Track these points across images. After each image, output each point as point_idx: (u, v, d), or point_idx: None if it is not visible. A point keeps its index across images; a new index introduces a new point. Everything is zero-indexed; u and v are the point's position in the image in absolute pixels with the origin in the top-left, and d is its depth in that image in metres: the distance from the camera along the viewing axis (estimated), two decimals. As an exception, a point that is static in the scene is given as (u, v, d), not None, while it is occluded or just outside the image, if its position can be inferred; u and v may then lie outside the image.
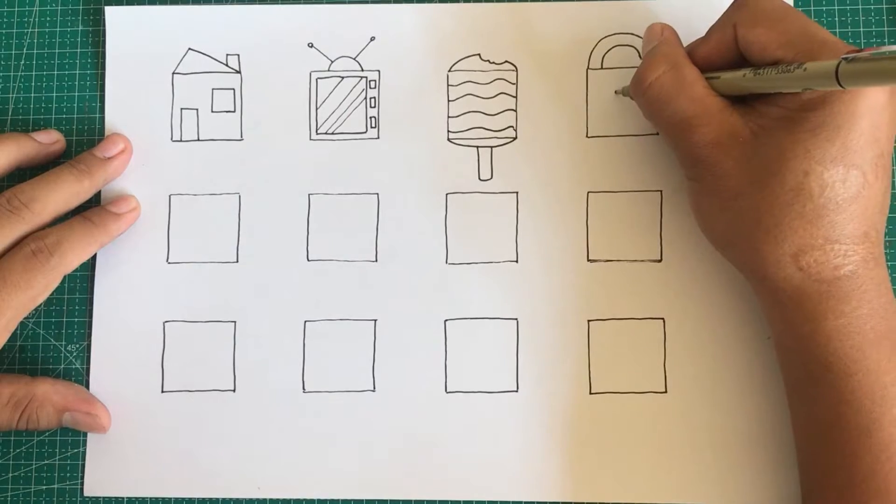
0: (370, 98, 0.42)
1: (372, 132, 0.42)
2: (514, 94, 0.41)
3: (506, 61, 0.42)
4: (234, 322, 0.41)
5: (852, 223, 0.32)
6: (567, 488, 0.39)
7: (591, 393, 0.40)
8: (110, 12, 0.42)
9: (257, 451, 0.40)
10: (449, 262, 0.41)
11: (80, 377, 0.41)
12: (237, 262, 0.41)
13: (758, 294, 0.36)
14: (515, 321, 0.40)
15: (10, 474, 0.40)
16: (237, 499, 0.40)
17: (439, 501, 0.39)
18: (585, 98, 0.41)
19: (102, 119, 0.42)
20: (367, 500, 0.40)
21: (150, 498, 0.40)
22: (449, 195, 0.41)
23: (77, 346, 0.41)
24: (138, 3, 0.43)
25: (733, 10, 0.35)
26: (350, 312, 0.41)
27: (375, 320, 0.40)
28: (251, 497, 0.40)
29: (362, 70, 0.42)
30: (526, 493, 0.39)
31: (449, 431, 0.40)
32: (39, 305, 0.39)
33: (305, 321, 0.41)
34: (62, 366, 0.41)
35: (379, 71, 0.42)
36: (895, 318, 0.33)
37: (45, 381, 0.39)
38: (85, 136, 0.42)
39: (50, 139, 0.41)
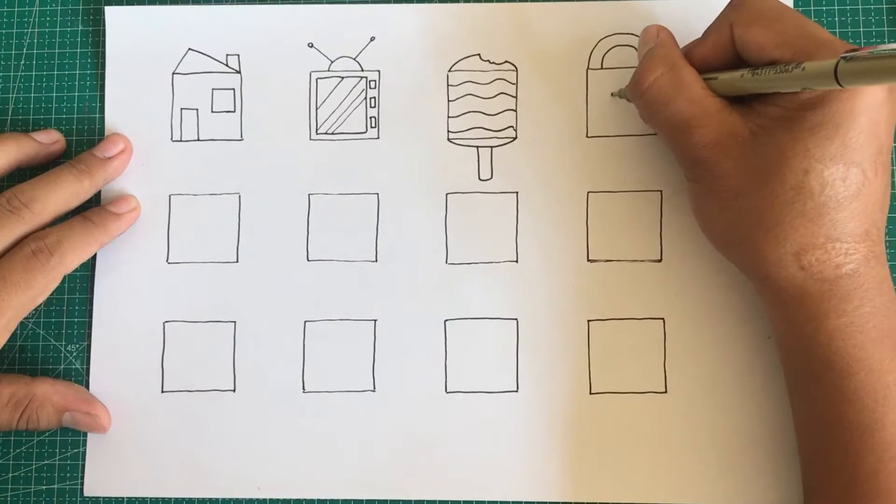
0: (370, 98, 0.42)
1: (372, 132, 0.42)
2: (514, 94, 0.41)
3: (506, 61, 0.42)
4: (234, 322, 0.41)
5: (853, 221, 0.32)
6: (567, 488, 0.39)
7: (591, 393, 0.40)
8: (110, 12, 0.42)
9: (257, 451, 0.40)
10: (449, 262, 0.41)
11: (80, 377, 0.41)
12: (237, 262, 0.41)
13: (759, 294, 0.36)
14: (515, 321, 0.40)
15: (10, 474, 0.40)
16: (237, 499, 0.40)
17: (439, 501, 0.39)
18: (585, 98, 0.41)
19: (102, 119, 0.42)
20: (367, 500, 0.40)
21: (150, 498, 0.40)
22: (449, 195, 0.41)
23: (77, 346, 0.41)
24: (138, 3, 0.43)
25: (730, 11, 0.35)
26: (350, 312, 0.41)
27: (375, 320, 0.40)
28: (251, 497, 0.40)
29: (362, 70, 0.42)
30: (526, 493, 0.39)
31: (449, 431, 0.40)
32: (39, 305, 0.39)
33: (305, 321, 0.41)
34: (62, 366, 0.41)
35: (379, 71, 0.42)
36: None
37: (45, 381, 0.39)
38: (85, 136, 0.42)
39: (50, 139, 0.41)
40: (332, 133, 0.42)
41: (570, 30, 0.41)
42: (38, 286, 0.37)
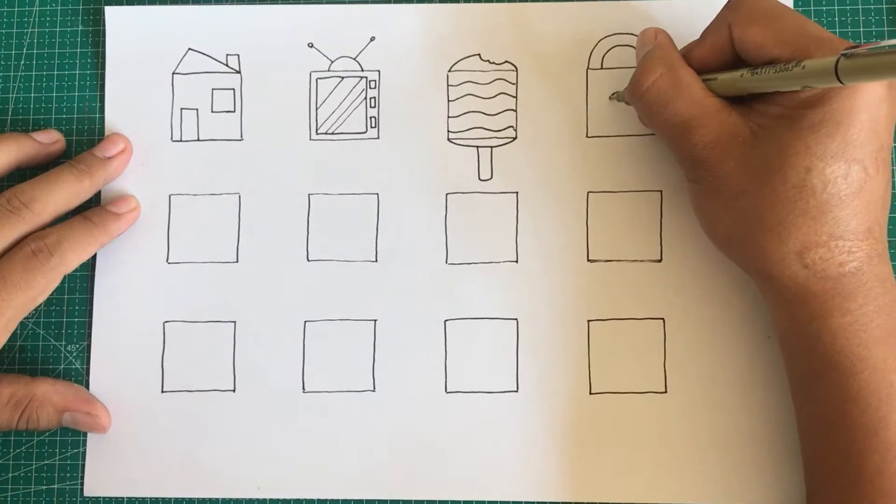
0: (370, 98, 0.42)
1: (372, 132, 0.42)
2: (514, 94, 0.41)
3: (506, 61, 0.42)
4: (234, 322, 0.41)
5: (856, 219, 0.32)
6: (567, 488, 0.39)
7: (591, 393, 0.40)
8: (110, 12, 0.42)
9: (257, 451, 0.40)
10: (449, 262, 0.41)
11: (80, 377, 0.41)
12: (237, 262, 0.41)
13: (763, 293, 0.36)
14: (515, 321, 0.40)
15: (10, 474, 0.40)
16: (237, 499, 0.40)
17: (439, 501, 0.39)
18: (585, 98, 0.41)
19: (102, 119, 0.42)
20: (367, 500, 0.40)
21: (150, 498, 0.40)
22: (449, 195, 0.41)
23: (77, 346, 0.41)
24: (138, 3, 0.43)
25: (727, 11, 0.35)
26: (350, 312, 0.41)
27: (375, 320, 0.40)
28: (251, 497, 0.40)
29: (362, 70, 0.42)
30: (526, 493, 0.39)
31: (449, 431, 0.40)
32: (39, 305, 0.39)
33: (305, 321, 0.41)
34: (62, 366, 0.41)
35: (379, 71, 0.42)
36: None
37: (45, 381, 0.39)
38: (85, 136, 0.42)
39: (50, 139, 0.41)
40: (332, 133, 0.42)
41: (570, 30, 0.41)
42: (38, 286, 0.37)
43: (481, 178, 0.41)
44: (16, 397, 0.38)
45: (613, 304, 0.40)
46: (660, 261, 0.40)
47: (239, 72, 0.42)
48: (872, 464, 0.32)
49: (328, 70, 0.42)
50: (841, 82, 0.29)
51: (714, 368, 0.39)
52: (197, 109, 0.42)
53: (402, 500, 0.39)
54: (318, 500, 0.40)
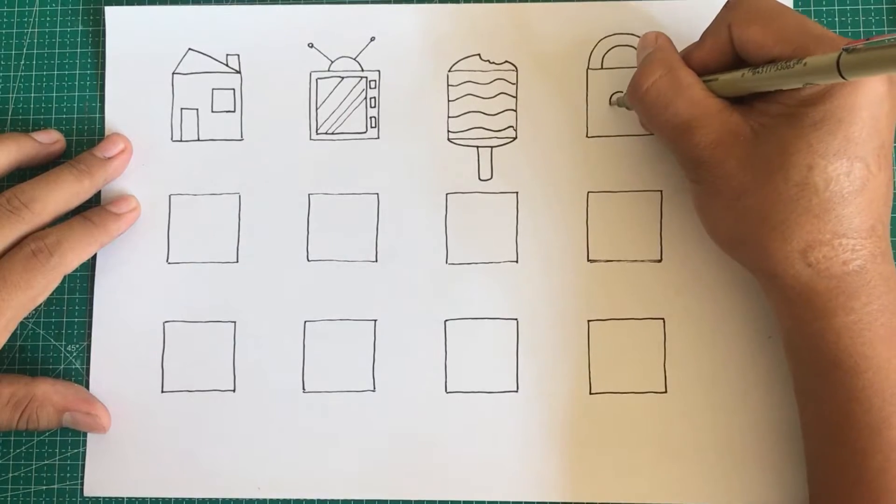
0: (370, 98, 0.42)
1: (372, 132, 0.42)
2: (514, 94, 0.41)
3: (506, 61, 0.42)
4: (234, 322, 0.41)
5: (859, 216, 0.32)
6: (567, 488, 0.39)
7: (591, 393, 0.40)
8: (110, 12, 0.42)
9: (257, 451, 0.40)
10: (449, 262, 0.41)
11: (80, 377, 0.41)
12: (237, 262, 0.41)
13: (766, 292, 0.36)
14: (515, 321, 0.40)
15: (10, 474, 0.40)
16: (237, 499, 0.40)
17: (439, 501, 0.39)
18: (585, 98, 0.41)
19: (102, 119, 0.42)
20: (367, 500, 0.40)
21: (150, 498, 0.40)
22: (449, 195, 0.41)
23: (77, 346, 0.41)
24: (138, 3, 0.43)
25: (727, 11, 0.35)
26: (350, 312, 0.41)
27: (375, 320, 0.40)
28: (251, 497, 0.40)
29: (362, 70, 0.42)
30: (526, 493, 0.39)
31: (449, 431, 0.40)
32: (39, 305, 0.39)
33: (305, 321, 0.41)
34: (62, 366, 0.41)
35: (379, 71, 0.42)
36: None
37: (45, 381, 0.39)
38: (85, 136, 0.42)
39: (50, 139, 0.41)
40: (332, 133, 0.42)
41: (570, 30, 0.41)
42: (38, 286, 0.37)
43: (481, 178, 0.41)
44: (16, 397, 0.38)
45: (613, 304, 0.40)
46: (660, 261, 0.40)
47: (239, 72, 0.42)
48: (876, 463, 0.32)
49: (328, 70, 0.42)
50: (843, 78, 0.29)
51: (714, 368, 0.39)
52: (197, 109, 0.42)
53: (402, 500, 0.39)
54: (318, 500, 0.40)
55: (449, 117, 0.41)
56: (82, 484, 0.40)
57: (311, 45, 0.42)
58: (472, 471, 0.39)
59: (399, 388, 0.40)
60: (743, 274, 0.38)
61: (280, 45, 0.42)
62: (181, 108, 0.42)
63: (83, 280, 0.41)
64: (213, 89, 0.42)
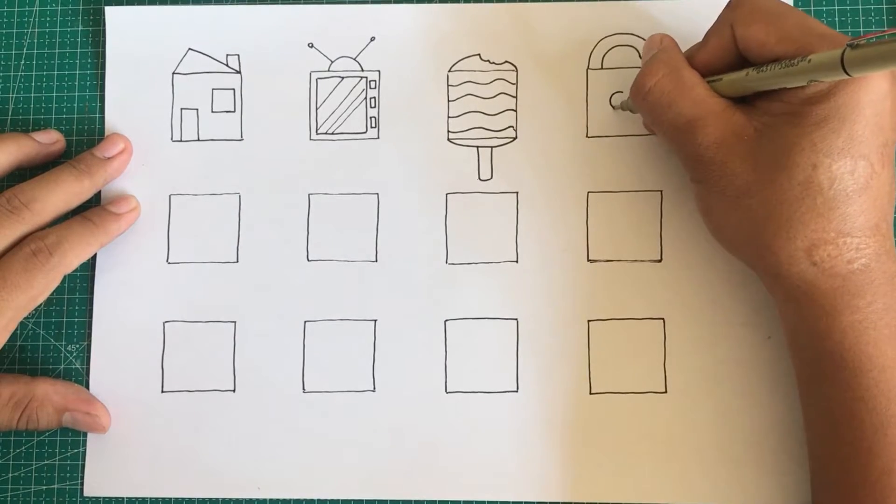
0: (370, 98, 0.42)
1: (372, 132, 0.42)
2: (514, 94, 0.41)
3: (506, 61, 0.42)
4: (234, 322, 0.41)
5: (863, 215, 0.32)
6: (567, 488, 0.39)
7: (591, 393, 0.40)
8: (110, 12, 0.42)
9: (257, 451, 0.40)
10: (449, 262, 0.41)
11: (80, 377, 0.41)
12: (237, 262, 0.41)
13: (770, 291, 0.36)
14: (515, 321, 0.40)
15: (10, 474, 0.40)
16: (237, 499, 0.40)
17: (439, 501, 0.39)
18: (585, 98, 0.41)
19: (102, 119, 0.42)
20: (367, 500, 0.40)
21: (150, 498, 0.40)
22: (449, 195, 0.41)
23: (77, 346, 0.41)
24: (138, 3, 0.43)
25: (729, 11, 0.35)
26: (350, 312, 0.41)
27: (375, 320, 0.40)
28: (251, 497, 0.40)
29: (362, 70, 0.42)
30: (526, 493, 0.39)
31: (449, 431, 0.40)
32: (39, 305, 0.39)
33: (305, 321, 0.41)
34: (62, 366, 0.41)
35: (379, 71, 0.42)
36: None
37: (45, 381, 0.39)
38: (85, 136, 0.42)
39: (50, 139, 0.41)
40: (332, 133, 0.42)
41: (570, 30, 0.41)
42: (38, 286, 0.37)
43: (481, 178, 0.41)
44: (16, 397, 0.38)
45: (613, 304, 0.40)
46: (660, 261, 0.40)
47: (239, 72, 0.42)
48: (880, 463, 0.32)
49: (328, 70, 0.42)
50: (848, 74, 0.29)
51: (714, 368, 0.39)
52: (197, 109, 0.42)
53: (402, 500, 0.39)
54: (318, 500, 0.40)
55: (449, 117, 0.41)
56: (82, 484, 0.40)
57: (311, 45, 0.42)
58: (472, 471, 0.39)
59: (399, 388, 0.40)
60: (743, 274, 0.38)
61: (280, 45, 0.42)
62: (181, 108, 0.42)
63: (83, 280, 0.41)
64: (213, 89, 0.42)
